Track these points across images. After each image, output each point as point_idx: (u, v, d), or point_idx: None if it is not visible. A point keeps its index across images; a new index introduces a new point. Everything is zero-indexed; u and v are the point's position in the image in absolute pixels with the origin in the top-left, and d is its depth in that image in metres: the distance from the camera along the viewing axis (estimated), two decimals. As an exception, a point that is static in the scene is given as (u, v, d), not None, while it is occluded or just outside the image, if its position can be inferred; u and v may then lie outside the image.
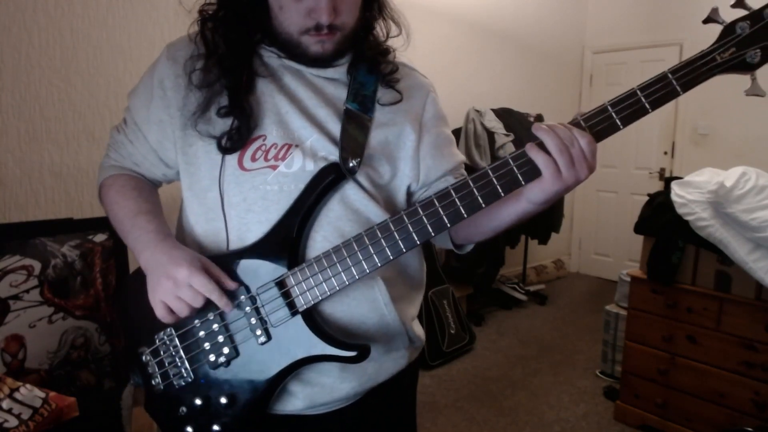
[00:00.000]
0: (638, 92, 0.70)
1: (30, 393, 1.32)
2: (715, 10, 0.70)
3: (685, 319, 2.32)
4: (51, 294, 1.69)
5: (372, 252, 0.79)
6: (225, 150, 0.83)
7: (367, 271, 0.80)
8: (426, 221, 0.78)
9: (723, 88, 4.26)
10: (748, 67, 0.69)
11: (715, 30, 0.71)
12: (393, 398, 0.99)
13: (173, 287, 0.78)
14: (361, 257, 0.80)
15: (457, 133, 3.71)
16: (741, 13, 0.71)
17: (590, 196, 5.14)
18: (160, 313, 0.81)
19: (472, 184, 0.76)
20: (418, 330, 0.99)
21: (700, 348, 2.29)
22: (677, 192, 2.25)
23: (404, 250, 0.79)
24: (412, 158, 0.92)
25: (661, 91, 0.68)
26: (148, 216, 0.88)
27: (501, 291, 4.20)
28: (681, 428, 2.37)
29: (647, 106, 0.69)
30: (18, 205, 1.97)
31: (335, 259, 0.80)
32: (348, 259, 0.80)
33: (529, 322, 3.93)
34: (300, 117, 0.85)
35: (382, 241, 0.79)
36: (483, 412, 2.69)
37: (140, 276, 0.86)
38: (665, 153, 4.59)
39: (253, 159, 0.84)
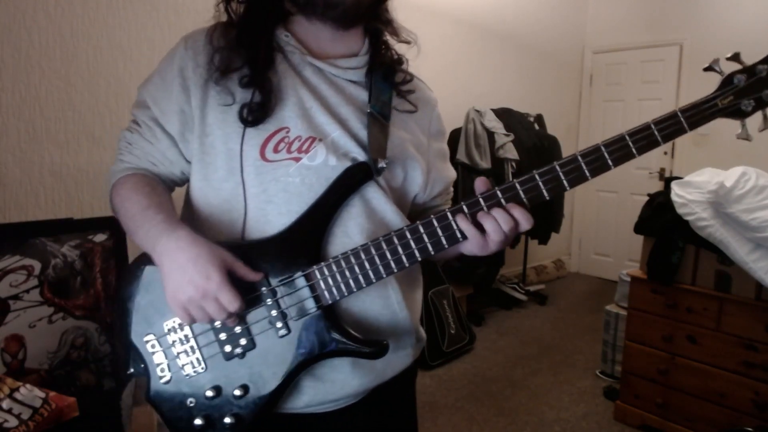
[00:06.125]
0: (652, 126, 0.80)
1: (30, 393, 1.31)
2: (715, 61, 0.80)
3: (685, 319, 2.33)
4: (51, 294, 1.68)
5: (401, 253, 0.82)
6: (246, 122, 0.83)
7: (395, 270, 0.82)
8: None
9: (723, 88, 4.27)
10: (742, 114, 0.80)
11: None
12: (396, 395, 1.00)
13: (198, 297, 0.77)
14: (389, 257, 0.82)
15: (457, 133, 3.71)
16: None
17: (590, 196, 5.14)
18: (182, 318, 0.80)
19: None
20: (421, 329, 1.03)
21: (700, 348, 2.29)
22: (677, 192, 2.25)
23: (432, 253, 0.82)
24: (423, 169, 0.96)
25: (672, 127, 0.80)
26: (158, 208, 0.85)
27: (501, 291, 4.20)
28: (681, 428, 2.37)
29: (659, 139, 0.80)
30: (18, 205, 1.97)
31: (363, 256, 0.82)
32: (376, 257, 0.82)
33: (529, 322, 3.93)
34: (323, 112, 0.87)
35: (412, 242, 0.81)
36: (483, 412, 2.69)
37: (150, 261, 0.84)
38: (665, 153, 4.59)
39: (276, 150, 0.84)
